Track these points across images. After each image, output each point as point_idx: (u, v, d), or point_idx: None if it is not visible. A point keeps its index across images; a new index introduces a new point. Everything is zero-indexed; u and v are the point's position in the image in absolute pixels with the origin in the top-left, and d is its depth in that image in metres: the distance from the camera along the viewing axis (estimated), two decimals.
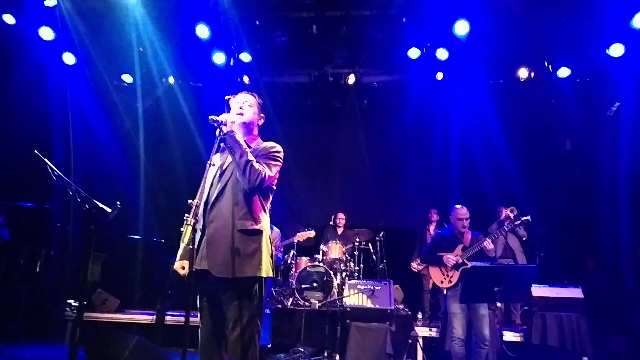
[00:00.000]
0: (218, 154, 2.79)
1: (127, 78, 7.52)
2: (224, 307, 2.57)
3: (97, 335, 4.27)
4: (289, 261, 6.82)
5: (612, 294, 6.87)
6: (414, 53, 6.82)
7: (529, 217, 4.62)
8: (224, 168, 2.72)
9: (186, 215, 2.21)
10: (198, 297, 2.66)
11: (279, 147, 2.80)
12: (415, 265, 7.06)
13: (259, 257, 2.61)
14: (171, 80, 7.63)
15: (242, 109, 2.76)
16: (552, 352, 5.52)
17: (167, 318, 5.74)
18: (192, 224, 2.18)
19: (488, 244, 4.49)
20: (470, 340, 4.54)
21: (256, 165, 2.56)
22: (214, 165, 2.68)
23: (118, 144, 7.52)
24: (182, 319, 2.35)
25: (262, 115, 2.87)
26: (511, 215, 4.69)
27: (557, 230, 7.32)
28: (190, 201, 2.30)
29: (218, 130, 2.55)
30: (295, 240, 6.43)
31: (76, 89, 7.05)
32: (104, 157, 7.49)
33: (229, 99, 2.81)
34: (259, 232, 2.65)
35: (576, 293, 5.65)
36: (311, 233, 6.50)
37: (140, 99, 7.39)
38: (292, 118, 8.16)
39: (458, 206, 4.77)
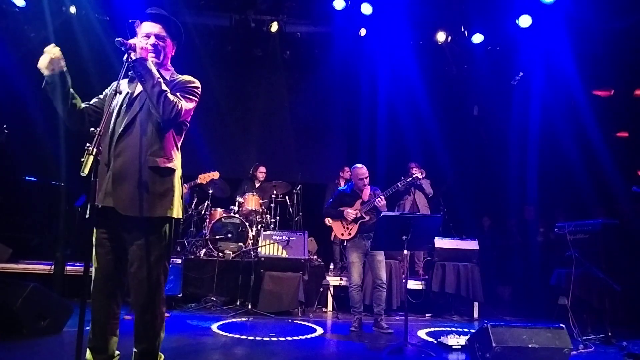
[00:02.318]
0: (125, 81, 2.55)
1: (18, 1, 6.59)
2: (127, 247, 2.41)
3: None
4: (202, 212, 6.65)
5: (501, 248, 7.64)
6: (339, 4, 6.72)
7: (417, 175, 4.97)
8: (132, 97, 2.49)
9: (87, 144, 2.00)
10: (95, 235, 2.44)
11: (197, 83, 2.61)
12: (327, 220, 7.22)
13: (171, 197, 2.47)
14: (72, 9, 6.81)
15: (153, 46, 2.50)
16: (449, 297, 6.05)
17: (67, 268, 5.39)
18: (94, 153, 1.97)
19: (379, 201, 4.75)
20: (368, 286, 4.85)
21: (171, 96, 2.36)
22: (120, 93, 2.43)
23: (15, 75, 6.58)
24: (82, 269, 2.16)
25: (174, 43, 2.63)
26: (420, 176, 4.99)
27: (461, 189, 7.88)
28: (92, 129, 2.08)
29: (126, 55, 2.29)
30: (199, 182, 6.19)
31: None
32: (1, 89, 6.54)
33: (134, 22, 2.54)
34: (172, 171, 2.50)
35: (473, 245, 6.18)
36: (215, 174, 6.24)
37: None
38: (210, 63, 7.74)
39: (358, 165, 5.01)
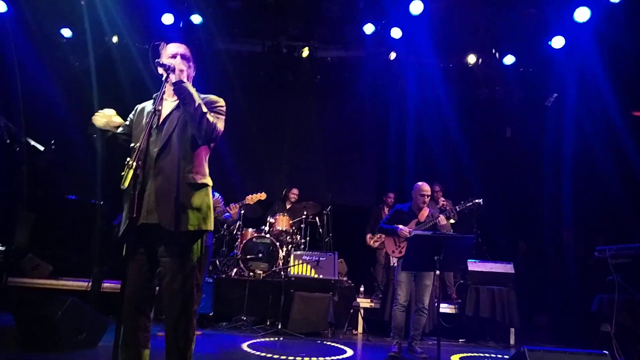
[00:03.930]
0: (151, 102, 2.65)
1: (66, 32, 7.01)
2: (162, 260, 2.48)
3: (26, 298, 4.00)
4: (234, 232, 6.74)
5: (538, 274, 7.38)
6: (369, 28, 6.84)
7: (480, 201, 4.84)
8: (164, 117, 2.59)
9: (128, 158, 2.09)
10: (128, 250, 2.48)
11: (222, 101, 2.71)
12: (369, 239, 7.23)
13: (205, 211, 2.57)
14: (115, 39, 7.19)
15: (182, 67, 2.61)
16: (484, 322, 5.86)
17: (104, 285, 5.53)
18: (133, 167, 2.07)
19: (442, 219, 4.70)
20: (411, 308, 4.70)
21: (210, 117, 2.47)
22: (158, 112, 2.50)
23: (60, 99, 6.95)
24: (119, 286, 2.23)
25: (195, 65, 2.74)
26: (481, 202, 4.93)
27: (494, 212, 7.71)
28: (132, 144, 2.18)
29: (166, 75, 2.42)
30: (247, 202, 6.31)
31: (12, 39, 6.45)
32: (45, 114, 6.89)
33: (159, 45, 2.66)
34: (205, 186, 2.61)
35: (508, 269, 6.01)
36: (262, 195, 6.35)
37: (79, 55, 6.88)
38: (242, 88, 7.96)
39: (421, 183, 4.92)
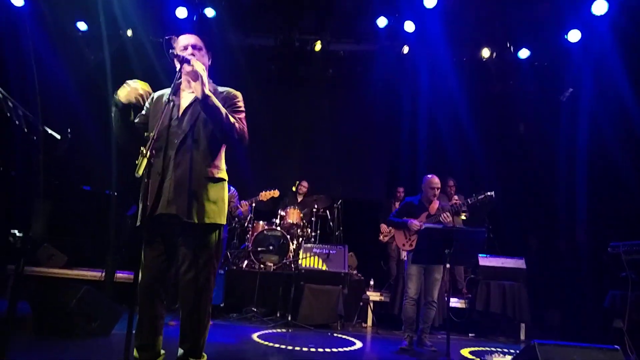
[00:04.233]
0: (166, 91, 2.67)
1: (81, 26, 7.10)
2: (179, 250, 2.54)
3: (42, 286, 4.09)
4: (245, 224, 6.79)
5: (550, 270, 7.31)
6: (382, 21, 6.81)
7: (492, 193, 4.76)
8: (183, 109, 2.61)
9: (142, 147, 2.12)
10: (146, 238, 2.55)
11: (240, 95, 2.74)
12: (383, 230, 7.21)
13: (222, 205, 2.63)
14: (129, 33, 7.26)
15: (194, 55, 2.61)
16: (494, 317, 5.83)
17: (117, 275, 5.62)
18: (147, 156, 2.10)
19: (446, 217, 4.64)
20: (421, 302, 4.69)
21: (238, 125, 2.53)
22: (171, 102, 2.52)
23: (75, 92, 7.04)
24: (132, 276, 2.27)
25: (209, 53, 2.76)
26: (493, 195, 4.85)
27: (507, 208, 7.64)
28: (146, 134, 2.22)
29: (180, 66, 2.45)
30: (260, 199, 6.39)
31: (28, 33, 6.56)
32: (60, 106, 7.00)
33: (170, 39, 2.68)
34: (223, 180, 2.66)
35: (520, 264, 5.96)
36: (275, 192, 6.46)
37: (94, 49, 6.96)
38: (255, 82, 7.97)
39: (430, 175, 4.87)
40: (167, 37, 2.70)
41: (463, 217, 6.59)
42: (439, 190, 4.82)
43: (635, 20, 6.20)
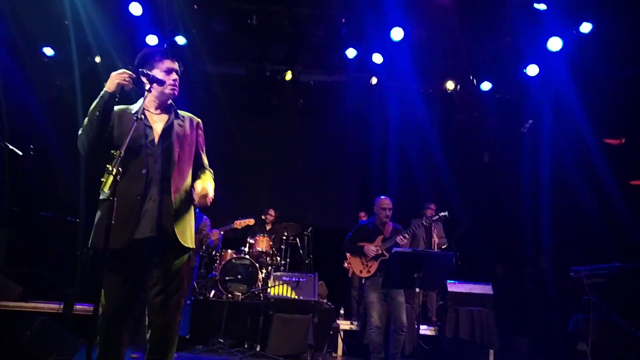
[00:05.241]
0: (129, 107, 2.63)
1: (48, 51, 7.01)
2: (152, 272, 2.47)
3: None
4: (213, 253, 6.65)
5: (517, 297, 7.43)
6: (351, 52, 7.00)
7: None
8: (160, 132, 2.58)
9: (108, 165, 2.08)
10: (113, 265, 2.39)
11: (201, 122, 2.82)
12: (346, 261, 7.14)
13: (193, 228, 2.67)
14: (97, 59, 7.20)
15: (176, 83, 2.63)
16: (463, 344, 5.84)
17: (77, 307, 5.37)
18: (114, 173, 2.05)
19: (400, 240, 4.53)
20: (388, 329, 4.64)
21: (212, 182, 2.72)
22: (141, 120, 2.46)
23: (40, 117, 6.87)
24: (91, 308, 2.18)
25: None
26: (430, 213, 4.93)
27: (474, 235, 7.79)
28: (112, 151, 2.18)
29: (149, 85, 2.45)
30: (234, 227, 6.32)
31: None
32: (26, 127, 6.78)
33: (155, 56, 2.63)
34: (194, 206, 2.68)
35: (487, 290, 6.04)
36: (250, 221, 6.41)
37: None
38: (226, 110, 8.00)
39: (382, 197, 4.83)
40: (148, 52, 2.65)
41: (444, 247, 6.70)
42: (390, 211, 4.72)
43: (587, 55, 6.60)
